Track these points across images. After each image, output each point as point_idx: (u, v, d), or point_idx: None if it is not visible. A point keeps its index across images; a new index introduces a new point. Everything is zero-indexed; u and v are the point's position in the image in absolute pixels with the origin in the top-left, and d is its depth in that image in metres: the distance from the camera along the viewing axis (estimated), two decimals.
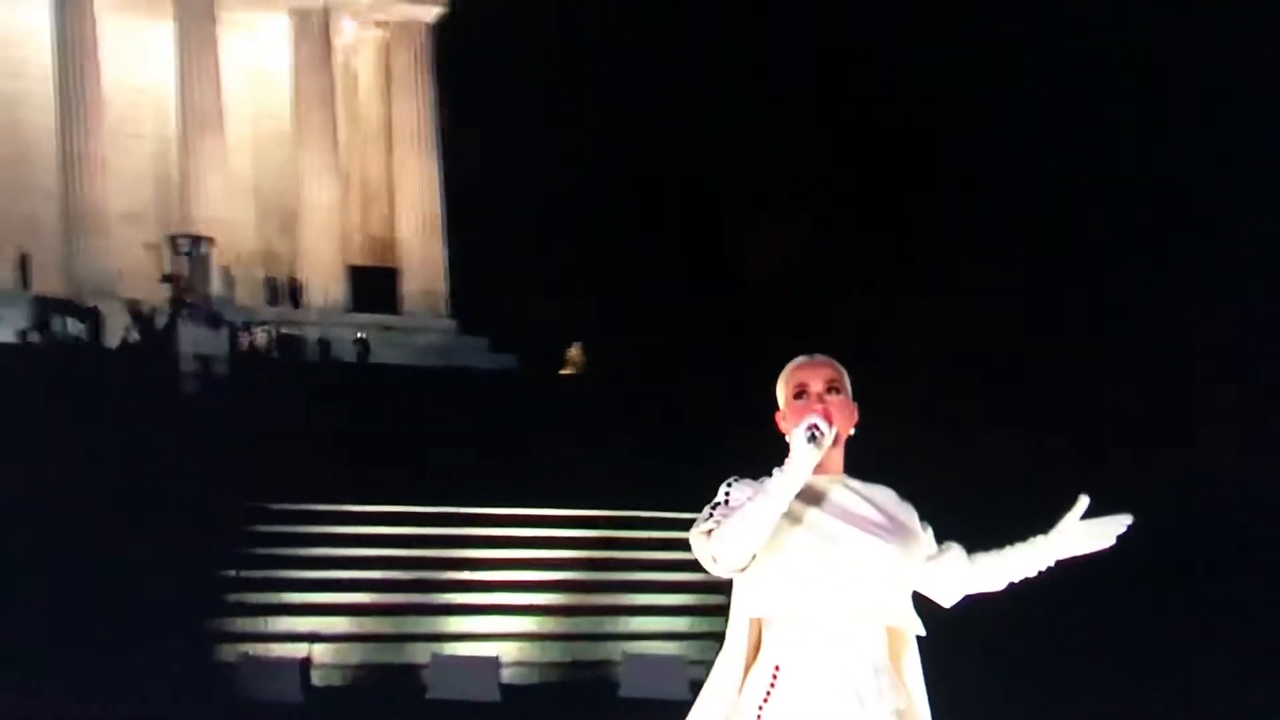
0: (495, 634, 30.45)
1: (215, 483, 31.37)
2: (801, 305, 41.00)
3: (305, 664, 28.28)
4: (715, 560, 5.10)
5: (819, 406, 5.18)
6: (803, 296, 42.20)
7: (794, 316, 39.94)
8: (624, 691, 28.02)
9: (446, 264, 49.27)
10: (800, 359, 5.36)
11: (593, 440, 35.24)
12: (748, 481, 5.14)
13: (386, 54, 50.60)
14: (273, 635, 29.57)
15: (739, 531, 4.97)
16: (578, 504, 33.44)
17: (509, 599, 31.72)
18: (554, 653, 30.82)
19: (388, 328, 46.69)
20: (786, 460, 5.01)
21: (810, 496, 5.19)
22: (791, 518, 5.11)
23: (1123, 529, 5.29)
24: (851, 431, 5.31)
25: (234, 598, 30.15)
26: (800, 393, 5.25)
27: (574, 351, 45.71)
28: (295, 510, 32.20)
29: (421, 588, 31.61)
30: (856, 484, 5.33)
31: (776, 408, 5.37)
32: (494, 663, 28.21)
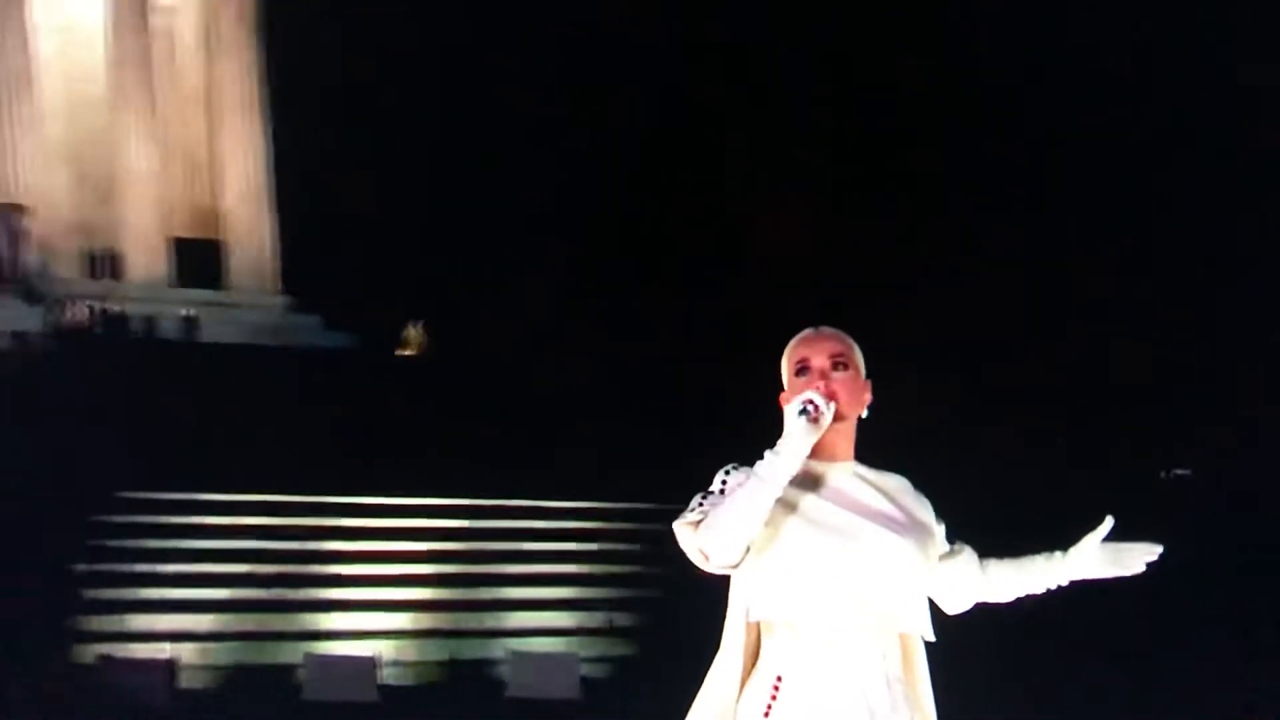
0: (371, 631, 28.68)
1: (45, 469, 29.16)
2: (668, 277, 39.77)
3: (171, 665, 26.25)
4: (706, 556, 4.59)
5: (820, 383, 4.71)
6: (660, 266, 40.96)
7: (654, 292, 38.65)
8: (511, 691, 26.73)
9: (276, 237, 46.90)
10: (806, 332, 4.89)
11: (450, 425, 33.60)
12: (747, 470, 4.63)
13: (208, 13, 47.94)
14: (132, 634, 27.40)
15: (728, 521, 4.53)
16: (444, 492, 31.75)
17: (382, 594, 30.02)
18: (434, 651, 29.16)
19: (216, 304, 44.26)
20: (780, 440, 4.58)
21: (814, 484, 4.74)
22: (793, 508, 4.66)
23: (1151, 558, 4.90)
24: (863, 413, 4.85)
25: (87, 594, 27.92)
26: (802, 368, 4.79)
27: (413, 331, 43.84)
28: (136, 499, 30.18)
29: (288, 582, 29.70)
30: (867, 471, 4.85)
31: (782, 388, 4.87)
32: (371, 663, 26.63)
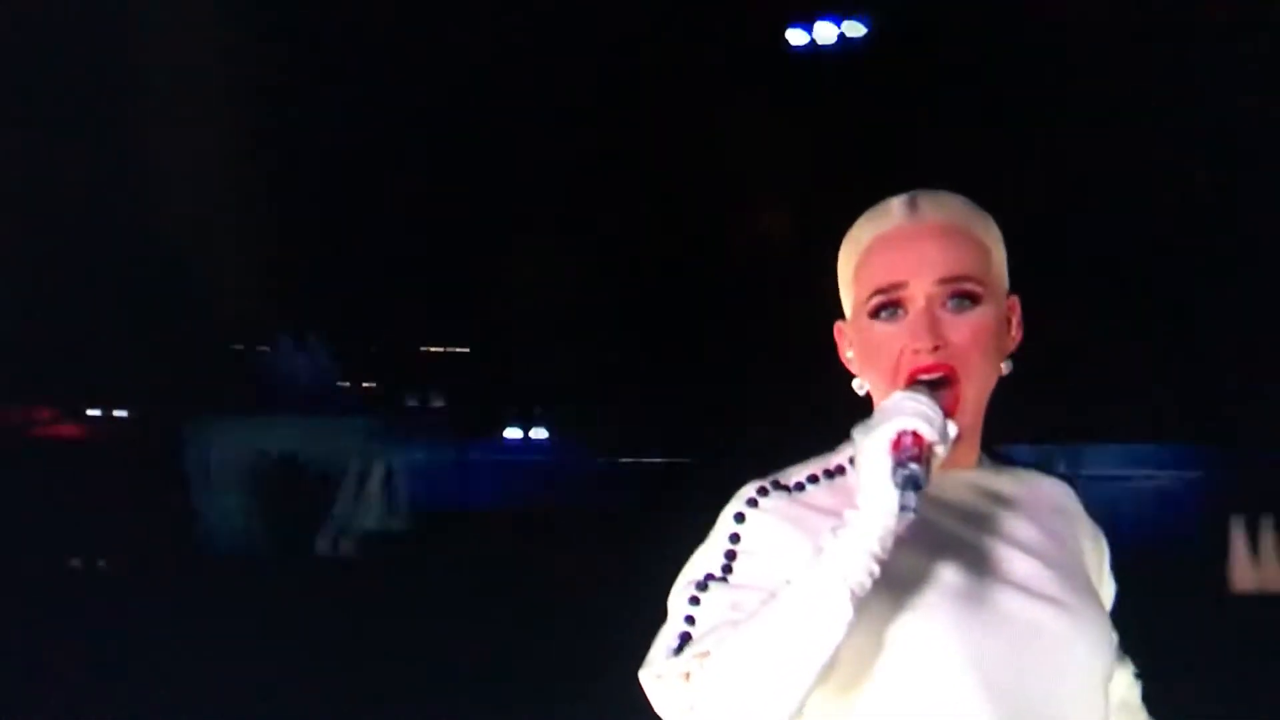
0: None
1: None
2: None
3: None
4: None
5: (925, 340, 2.25)
6: None
7: None
8: None
9: None
10: (891, 215, 2.33)
11: None
12: (775, 517, 2.23)
13: None
14: None
15: (753, 677, 2.04)
16: None
17: None
18: None
19: None
20: (859, 506, 2.06)
21: (928, 517, 2.19)
22: (888, 576, 2.12)
23: None
24: (1005, 369, 2.34)
25: None
26: (887, 305, 2.29)
27: None
28: None
29: None
30: (1002, 478, 2.39)
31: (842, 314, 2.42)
32: None
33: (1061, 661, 2.25)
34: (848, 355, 2.37)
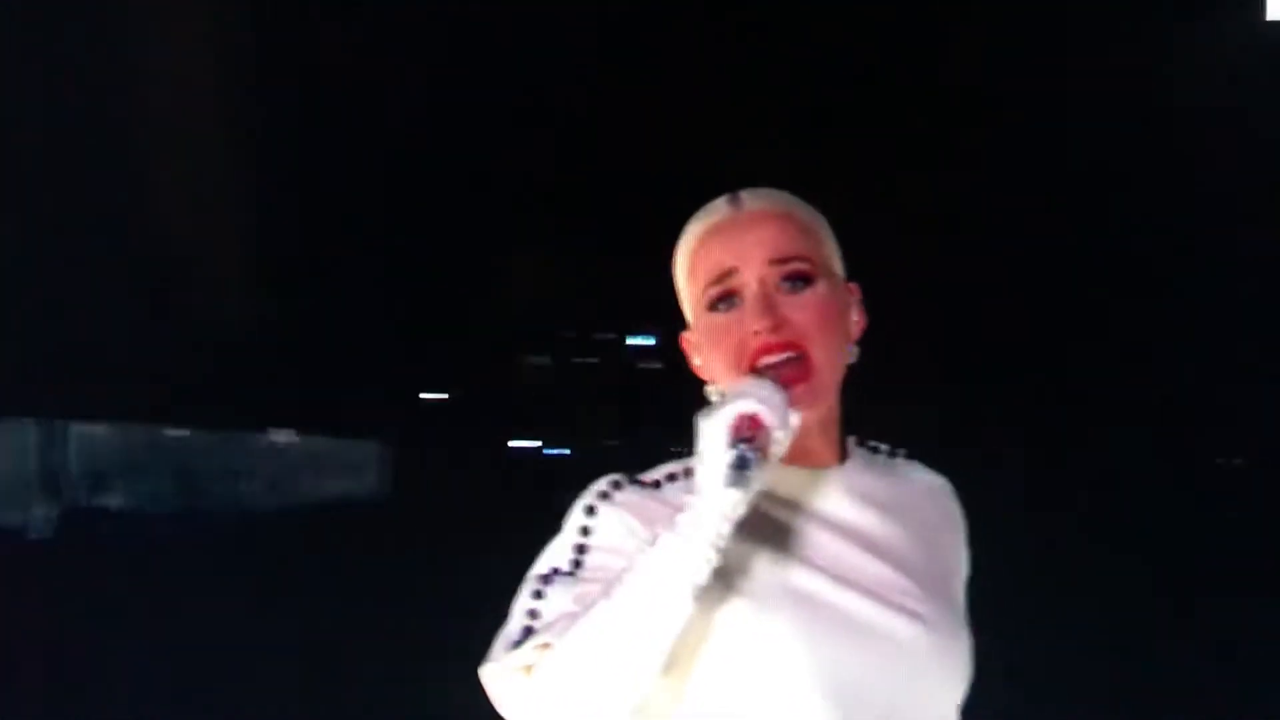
0: None
1: None
2: None
3: None
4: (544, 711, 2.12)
5: (765, 325, 2.24)
6: None
7: None
8: None
9: None
10: (715, 211, 2.36)
11: None
12: (627, 512, 2.21)
13: None
14: None
15: (595, 664, 2.05)
16: None
17: None
18: None
19: None
20: (693, 497, 2.06)
21: (776, 523, 2.25)
22: (739, 582, 2.19)
23: None
24: (852, 355, 2.34)
25: None
26: (723, 295, 2.29)
27: None
28: None
29: None
30: (877, 479, 2.37)
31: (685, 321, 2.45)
32: None
33: (910, 675, 2.23)
34: (696, 362, 2.34)
